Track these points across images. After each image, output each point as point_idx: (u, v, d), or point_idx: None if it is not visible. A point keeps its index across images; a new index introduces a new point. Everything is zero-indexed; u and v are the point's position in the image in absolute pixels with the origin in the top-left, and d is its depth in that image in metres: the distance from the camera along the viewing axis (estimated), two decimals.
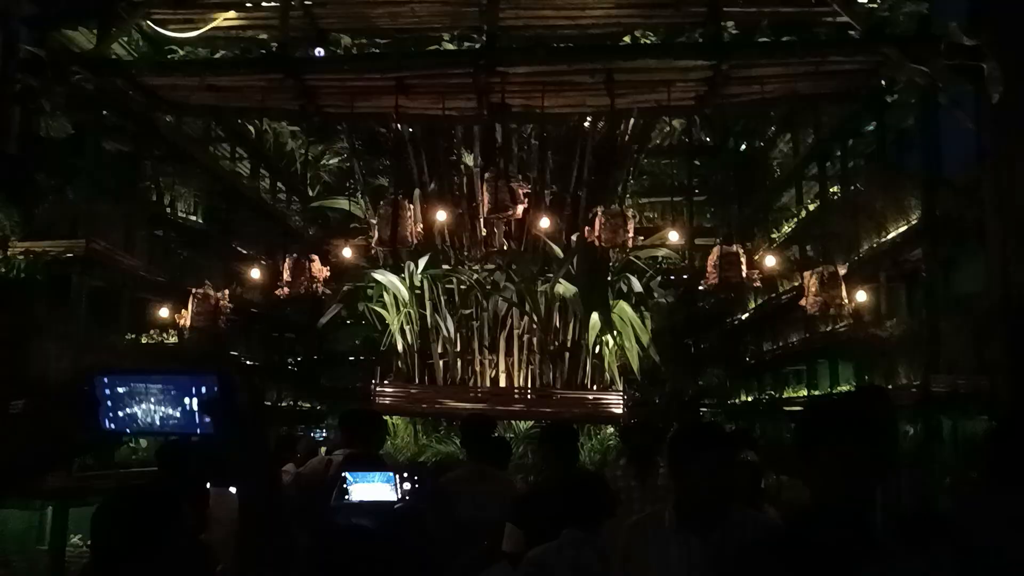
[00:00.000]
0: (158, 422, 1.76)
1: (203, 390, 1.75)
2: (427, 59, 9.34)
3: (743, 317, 13.39)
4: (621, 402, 11.18)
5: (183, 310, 9.46)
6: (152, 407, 1.77)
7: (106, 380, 1.79)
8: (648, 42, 9.97)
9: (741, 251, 8.96)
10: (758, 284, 9.44)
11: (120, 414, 1.78)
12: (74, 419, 1.91)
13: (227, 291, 9.72)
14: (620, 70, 8.69)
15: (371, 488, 3.78)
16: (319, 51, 9.40)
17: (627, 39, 9.86)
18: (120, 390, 1.78)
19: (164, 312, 9.66)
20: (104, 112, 9.18)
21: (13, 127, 8.55)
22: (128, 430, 1.80)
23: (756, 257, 10.07)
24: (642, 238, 11.67)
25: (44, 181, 8.78)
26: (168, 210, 10.87)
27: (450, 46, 10.06)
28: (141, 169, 10.41)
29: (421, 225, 9.41)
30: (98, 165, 9.20)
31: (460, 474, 5.52)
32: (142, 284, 9.53)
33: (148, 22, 9.31)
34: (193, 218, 11.32)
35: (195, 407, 1.75)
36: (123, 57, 9.27)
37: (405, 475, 4.08)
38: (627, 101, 9.50)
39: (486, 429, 5.81)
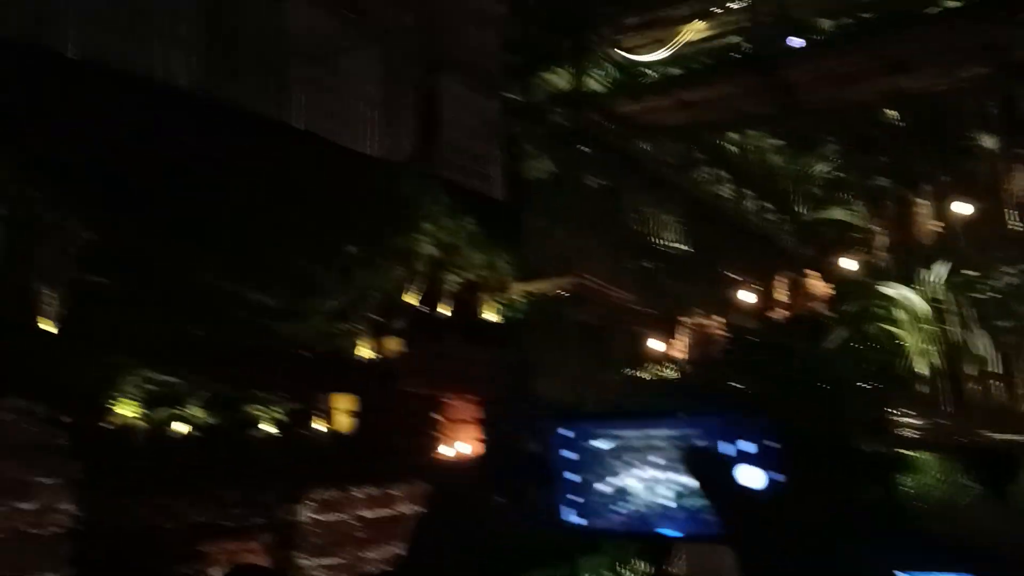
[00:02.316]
0: (673, 504, 0.82)
1: (747, 442, 0.81)
2: (934, 25, 7.81)
3: None
4: None
5: (676, 341, 9.02)
6: (657, 476, 0.84)
7: (572, 434, 0.88)
8: None
9: None
10: None
11: (598, 494, 0.86)
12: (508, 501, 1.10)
13: (721, 318, 9.08)
14: None
15: None
16: (796, 42, 8.43)
17: None
18: (598, 446, 0.87)
19: (657, 344, 9.31)
20: (583, 147, 9.15)
21: (499, 173, 8.85)
22: (612, 526, 0.87)
23: None
24: None
25: (533, 222, 8.96)
26: (653, 239, 10.61)
27: (954, 3, 8.41)
28: (623, 201, 10.28)
29: (934, 225, 7.88)
30: (581, 201, 9.18)
31: None
32: (632, 316, 9.28)
33: (619, 51, 9.15)
34: (679, 245, 10.94)
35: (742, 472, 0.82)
36: (597, 91, 9.20)
37: None
38: None
39: None
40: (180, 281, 6.09)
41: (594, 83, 9.20)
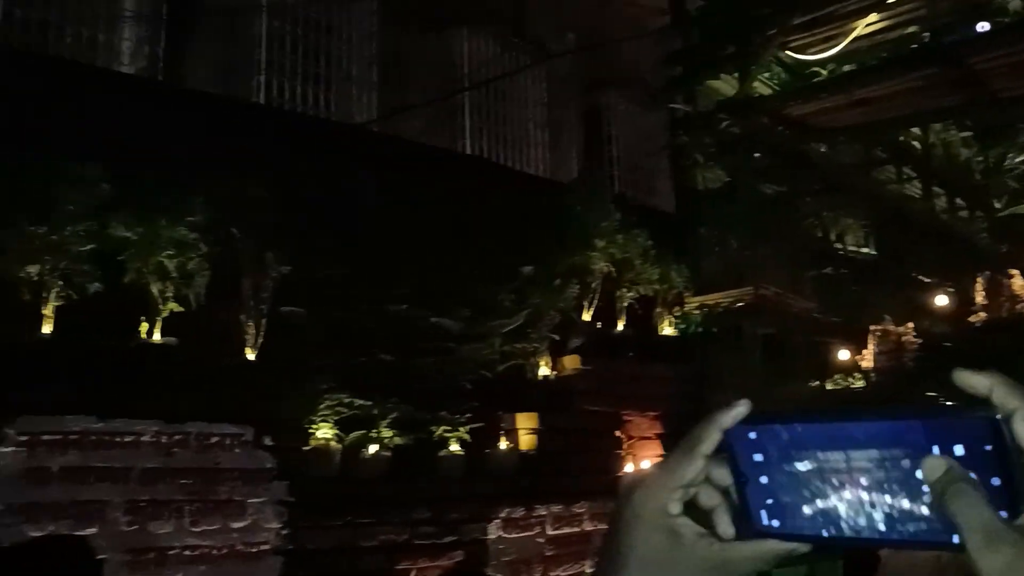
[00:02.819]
0: (882, 525, 0.69)
1: (970, 446, 0.66)
2: None
3: None
4: None
5: (863, 350, 8.61)
6: (867, 496, 0.69)
7: (757, 434, 0.74)
8: None
9: None
10: None
11: (795, 497, 0.73)
12: None
13: (911, 324, 8.60)
14: None
15: None
16: (983, 26, 7.91)
17: None
18: (799, 463, 0.72)
19: (843, 354, 8.92)
20: (755, 154, 8.94)
21: (669, 185, 8.78)
22: (812, 531, 0.73)
23: None
24: None
25: (707, 233, 8.82)
26: (835, 245, 10.20)
27: None
28: (800, 206, 9.95)
29: None
30: (756, 209, 8.95)
31: None
32: (815, 326, 8.94)
33: (787, 52, 8.89)
34: (864, 250, 10.46)
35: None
36: (765, 94, 8.97)
37: None
38: None
39: None
40: (369, 308, 6.38)
41: (762, 87, 8.97)
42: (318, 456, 6.00)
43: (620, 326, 7.97)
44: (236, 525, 5.39)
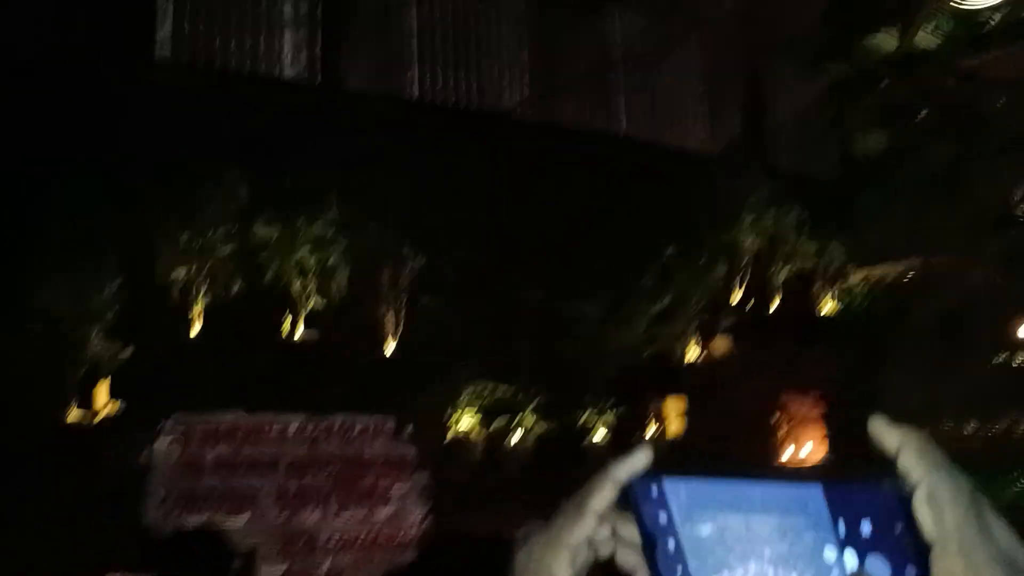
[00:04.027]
0: None
1: (880, 523, 0.50)
2: None
3: None
4: None
5: None
6: (772, 573, 0.55)
7: (659, 491, 0.61)
8: None
9: None
10: None
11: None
12: None
13: None
14: None
15: None
16: None
17: None
18: (702, 526, 0.59)
19: None
20: (921, 114, 8.26)
21: (829, 152, 8.26)
22: None
23: None
24: None
25: (869, 202, 8.24)
26: (1015, 208, 9.30)
27: None
28: (975, 168, 9.12)
29: None
30: (925, 174, 8.28)
31: None
32: (995, 298, 8.19)
33: (951, 2, 8.14)
34: None
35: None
36: (931, 48, 8.25)
37: None
38: None
39: None
40: (509, 295, 6.34)
41: (927, 40, 8.25)
42: (461, 445, 6.04)
43: (774, 305, 7.58)
44: (381, 514, 5.49)
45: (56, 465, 4.61)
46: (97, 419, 4.88)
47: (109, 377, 4.96)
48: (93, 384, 4.93)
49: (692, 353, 7.04)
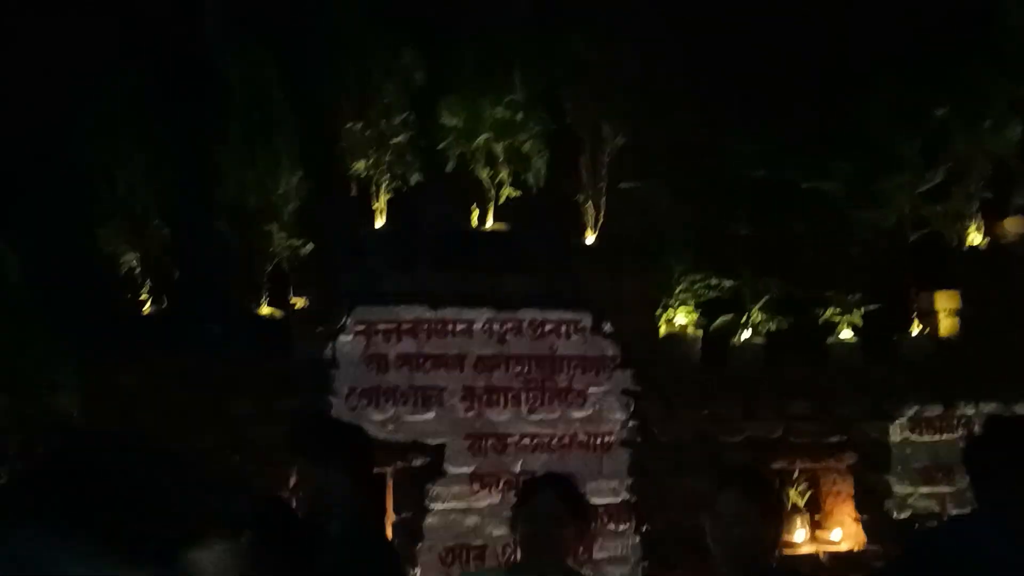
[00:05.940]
0: None
1: None
2: None
3: None
4: None
5: None
6: None
7: None
8: None
9: None
10: None
11: None
12: None
13: None
14: None
15: None
16: None
17: None
18: None
19: None
20: None
21: None
22: None
23: None
24: None
25: None
26: None
27: None
28: None
29: None
30: None
31: None
32: None
33: None
34: None
35: None
36: None
37: None
38: None
39: None
40: (727, 173, 5.53)
41: None
42: (675, 343, 5.44)
43: None
44: (577, 414, 5.12)
45: (248, 357, 4.74)
46: (282, 314, 4.94)
47: (293, 273, 4.98)
48: (279, 279, 4.98)
49: (974, 237, 5.76)
